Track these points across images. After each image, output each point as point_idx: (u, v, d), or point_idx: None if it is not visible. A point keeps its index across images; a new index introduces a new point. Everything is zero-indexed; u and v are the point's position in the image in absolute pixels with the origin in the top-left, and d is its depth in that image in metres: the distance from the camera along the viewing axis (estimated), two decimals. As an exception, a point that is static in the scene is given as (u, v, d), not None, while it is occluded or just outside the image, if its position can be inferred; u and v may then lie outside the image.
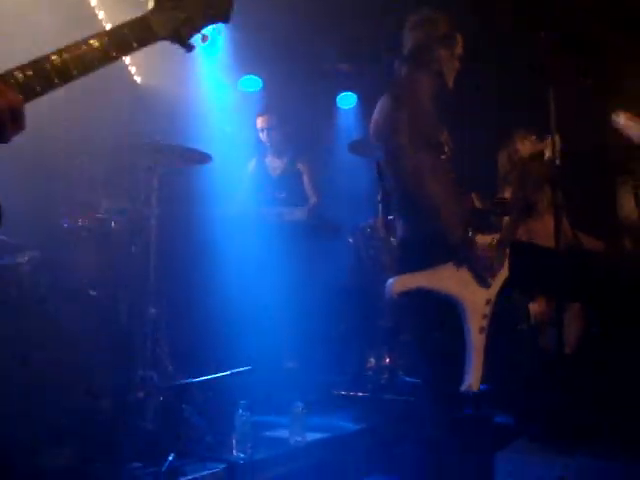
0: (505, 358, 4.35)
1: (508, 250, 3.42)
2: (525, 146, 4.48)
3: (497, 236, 3.39)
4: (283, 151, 5.89)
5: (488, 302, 3.31)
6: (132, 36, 1.87)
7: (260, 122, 5.87)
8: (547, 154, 3.87)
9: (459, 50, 3.56)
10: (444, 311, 3.29)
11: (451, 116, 3.62)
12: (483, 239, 3.33)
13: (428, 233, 3.27)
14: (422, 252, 3.31)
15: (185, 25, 1.99)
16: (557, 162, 3.71)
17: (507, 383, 4.36)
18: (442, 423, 3.34)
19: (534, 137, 4.41)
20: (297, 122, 6.00)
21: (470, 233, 3.31)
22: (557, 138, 3.89)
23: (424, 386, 3.63)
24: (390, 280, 3.23)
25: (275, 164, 5.91)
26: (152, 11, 1.93)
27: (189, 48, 2.04)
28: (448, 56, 3.51)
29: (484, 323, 3.26)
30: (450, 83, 3.54)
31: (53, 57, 1.77)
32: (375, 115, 3.46)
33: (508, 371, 4.33)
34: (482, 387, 4.48)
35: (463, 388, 3.22)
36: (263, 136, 5.86)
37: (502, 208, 3.61)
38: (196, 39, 2.07)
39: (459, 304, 3.25)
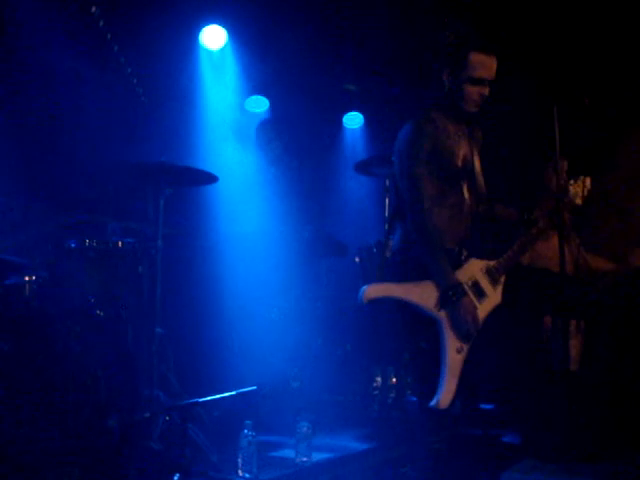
0: (513, 377, 4.35)
1: (503, 278, 3.43)
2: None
3: (493, 263, 3.42)
4: (286, 162, 5.80)
5: None
6: None
7: (259, 136, 5.82)
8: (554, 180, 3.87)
9: (470, 74, 3.38)
10: (430, 322, 3.30)
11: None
12: (476, 264, 3.38)
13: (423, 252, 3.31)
14: (414, 267, 3.34)
15: None
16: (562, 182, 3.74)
17: (515, 402, 4.35)
18: (440, 440, 3.32)
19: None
20: (302, 139, 5.99)
21: (464, 256, 3.36)
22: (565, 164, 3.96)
23: (417, 401, 3.61)
24: (364, 287, 3.28)
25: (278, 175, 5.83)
26: None
27: None
28: (450, 78, 3.42)
29: (463, 344, 3.26)
30: (466, 107, 3.45)
31: None
32: (400, 139, 3.50)
33: (516, 390, 4.32)
34: (489, 406, 4.49)
35: (432, 404, 3.20)
36: (264, 149, 5.81)
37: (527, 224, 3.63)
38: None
39: (437, 321, 3.26)
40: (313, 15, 5.94)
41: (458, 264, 3.36)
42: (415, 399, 4.55)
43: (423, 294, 3.26)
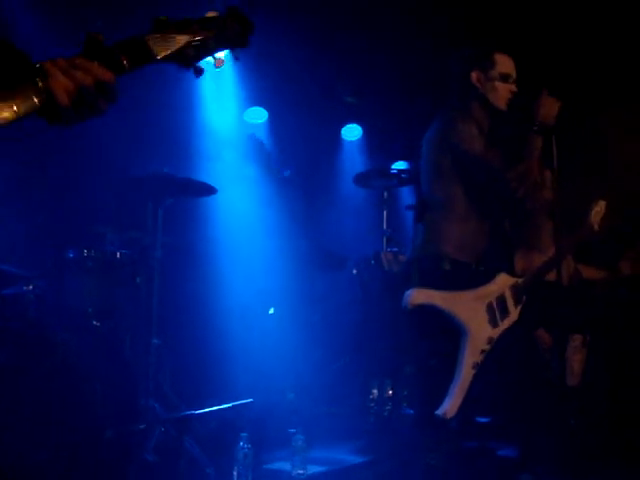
0: (511, 391, 4.34)
1: (525, 297, 3.42)
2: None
3: (520, 281, 3.42)
4: (276, 172, 5.80)
5: (490, 341, 3.31)
6: (124, 56, 1.63)
7: (256, 150, 5.81)
8: (547, 187, 3.86)
9: (500, 70, 3.52)
10: (444, 339, 3.30)
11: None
12: (505, 280, 3.39)
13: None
14: (435, 277, 3.36)
15: (192, 47, 1.74)
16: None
17: (512, 416, 4.34)
18: (439, 453, 3.31)
19: None
20: (300, 151, 6.00)
21: (483, 271, 3.36)
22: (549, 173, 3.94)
23: (416, 415, 3.60)
24: (409, 291, 3.26)
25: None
26: (152, 31, 1.70)
27: (197, 71, 1.80)
28: (482, 78, 3.51)
29: (479, 359, 3.26)
30: (498, 104, 3.52)
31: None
32: (434, 128, 3.53)
33: (513, 404, 4.32)
34: (486, 419, 4.48)
35: (438, 412, 3.19)
36: (255, 163, 5.79)
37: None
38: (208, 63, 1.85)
39: (464, 333, 3.26)
40: (312, 27, 5.96)
41: (478, 280, 3.35)
42: (412, 412, 4.56)
43: (459, 303, 3.26)
